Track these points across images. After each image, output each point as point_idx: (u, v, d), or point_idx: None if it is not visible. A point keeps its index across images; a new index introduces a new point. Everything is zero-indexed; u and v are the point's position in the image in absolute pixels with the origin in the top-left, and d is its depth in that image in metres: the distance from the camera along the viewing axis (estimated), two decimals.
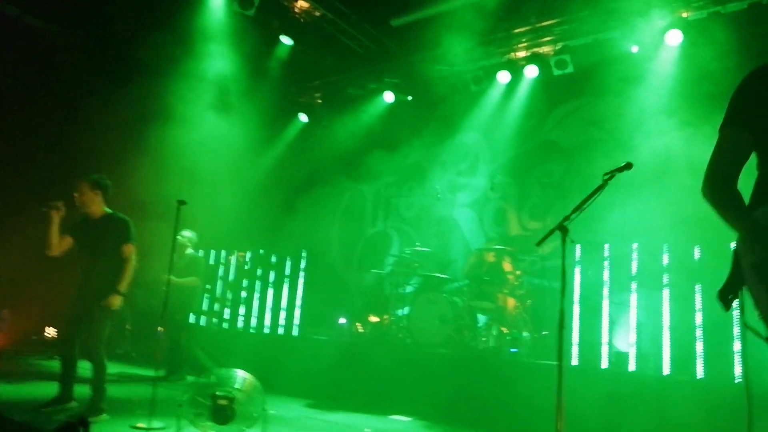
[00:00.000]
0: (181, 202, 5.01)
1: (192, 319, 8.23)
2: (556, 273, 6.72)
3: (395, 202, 9.75)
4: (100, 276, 4.91)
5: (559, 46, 7.92)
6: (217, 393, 4.14)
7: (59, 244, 4.95)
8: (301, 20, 8.04)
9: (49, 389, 5.17)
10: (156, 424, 4.69)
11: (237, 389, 4.21)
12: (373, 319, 7.51)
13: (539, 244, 3.85)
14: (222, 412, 4.15)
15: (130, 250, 5.03)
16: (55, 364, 7.08)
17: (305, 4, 7.86)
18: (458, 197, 9.20)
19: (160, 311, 5.20)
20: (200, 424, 4.21)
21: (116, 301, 4.93)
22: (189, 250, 7.31)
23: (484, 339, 6.57)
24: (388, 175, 9.69)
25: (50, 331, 8.19)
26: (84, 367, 5.02)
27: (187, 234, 7.26)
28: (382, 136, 9.31)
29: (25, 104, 8.10)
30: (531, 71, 8.16)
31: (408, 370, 6.49)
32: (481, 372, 6.12)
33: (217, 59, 8.09)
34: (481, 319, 7.08)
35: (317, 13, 8.02)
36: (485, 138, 8.93)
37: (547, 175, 8.31)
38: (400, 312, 7.56)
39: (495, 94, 8.66)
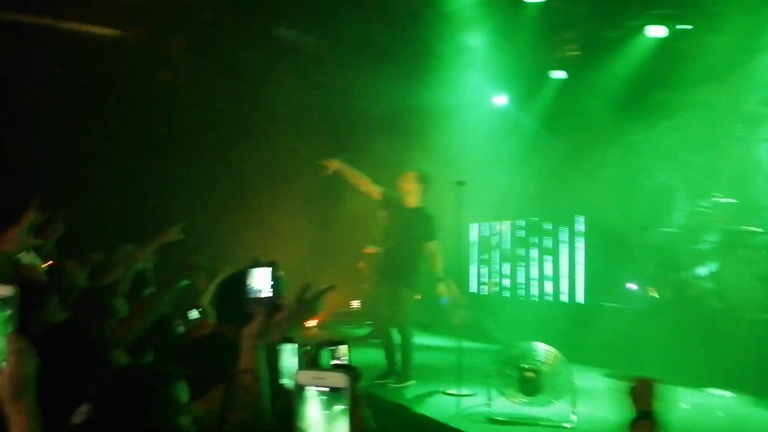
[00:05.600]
0: (461, 183, 5.18)
1: (475, 288, 8.60)
2: None
3: (677, 149, 8.61)
4: (404, 261, 5.38)
5: None
6: (524, 365, 4.21)
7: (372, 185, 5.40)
8: None
9: (366, 355, 5.92)
10: (465, 390, 5.00)
11: (542, 362, 4.22)
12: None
13: None
14: (529, 384, 4.21)
15: (434, 247, 5.38)
16: (361, 331, 8.24)
17: None
18: (760, 132, 7.71)
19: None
20: (509, 394, 4.35)
21: (442, 288, 5.37)
22: None
23: None
24: (667, 119, 8.58)
25: (355, 304, 9.43)
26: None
27: None
28: (655, 76, 8.28)
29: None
30: None
31: (719, 338, 5.72)
32: None
33: (469, 28, 8.15)
34: None
35: None
36: None
37: None
38: (700, 272, 6.71)
39: None
